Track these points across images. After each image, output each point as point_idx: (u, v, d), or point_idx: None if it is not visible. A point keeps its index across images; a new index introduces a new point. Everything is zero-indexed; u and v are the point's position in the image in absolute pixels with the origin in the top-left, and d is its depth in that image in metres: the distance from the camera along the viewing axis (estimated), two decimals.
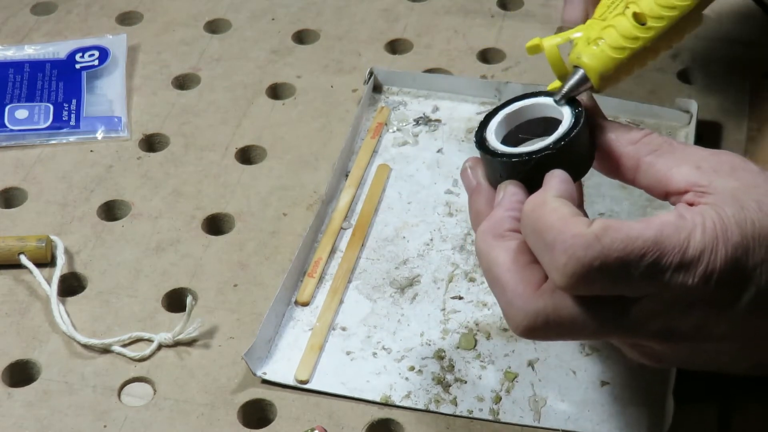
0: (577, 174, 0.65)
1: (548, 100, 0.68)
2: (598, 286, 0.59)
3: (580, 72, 0.67)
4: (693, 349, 0.64)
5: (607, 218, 0.61)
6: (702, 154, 0.64)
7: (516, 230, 0.63)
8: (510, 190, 0.65)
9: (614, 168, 0.67)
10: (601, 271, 0.58)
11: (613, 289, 0.60)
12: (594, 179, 0.78)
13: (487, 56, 0.99)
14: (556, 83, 0.71)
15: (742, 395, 0.71)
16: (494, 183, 0.67)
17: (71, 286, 0.81)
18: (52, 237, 0.82)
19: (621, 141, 0.66)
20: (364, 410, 0.72)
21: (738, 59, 0.96)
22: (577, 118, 0.66)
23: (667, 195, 0.64)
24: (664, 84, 0.94)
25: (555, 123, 0.67)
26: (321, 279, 0.80)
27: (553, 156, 0.64)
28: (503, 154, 0.66)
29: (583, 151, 0.66)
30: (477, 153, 0.67)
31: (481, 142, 0.67)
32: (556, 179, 0.64)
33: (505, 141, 0.68)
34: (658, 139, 0.65)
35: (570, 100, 0.67)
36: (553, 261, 0.59)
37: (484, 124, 0.68)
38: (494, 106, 0.70)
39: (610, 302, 0.61)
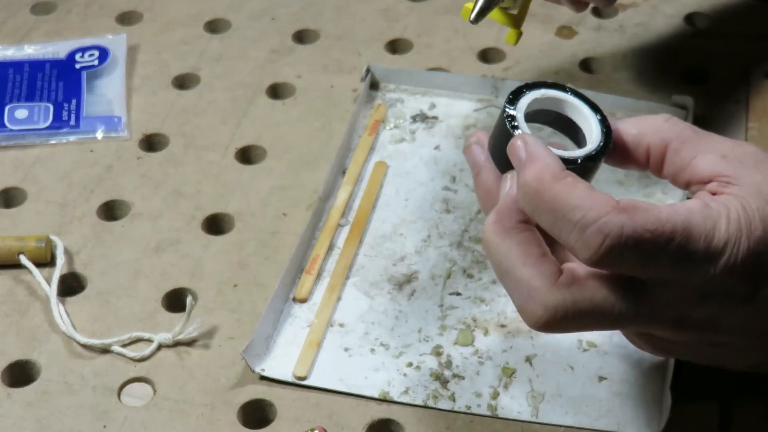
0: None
1: (565, 96, 0.67)
2: (627, 264, 0.59)
3: None
4: (700, 340, 0.63)
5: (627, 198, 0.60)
6: (727, 144, 0.63)
7: (525, 221, 0.62)
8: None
9: (643, 162, 0.66)
10: (634, 250, 0.58)
11: (639, 270, 0.59)
12: None
13: (487, 56, 0.99)
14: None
15: (743, 393, 0.71)
16: (503, 167, 0.65)
17: (71, 286, 0.81)
18: (52, 237, 0.82)
19: (647, 134, 0.65)
20: (364, 410, 0.71)
21: (738, 58, 0.96)
22: (608, 129, 0.65)
23: (689, 184, 0.64)
24: (664, 83, 0.94)
25: (566, 120, 0.66)
26: (319, 276, 0.80)
27: (595, 161, 0.63)
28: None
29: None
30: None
31: (511, 119, 0.64)
32: (539, 148, 0.62)
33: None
34: (680, 125, 0.65)
35: (596, 110, 0.66)
36: (584, 239, 0.58)
37: (512, 100, 0.65)
38: (519, 86, 0.67)
39: (629, 292, 0.60)
